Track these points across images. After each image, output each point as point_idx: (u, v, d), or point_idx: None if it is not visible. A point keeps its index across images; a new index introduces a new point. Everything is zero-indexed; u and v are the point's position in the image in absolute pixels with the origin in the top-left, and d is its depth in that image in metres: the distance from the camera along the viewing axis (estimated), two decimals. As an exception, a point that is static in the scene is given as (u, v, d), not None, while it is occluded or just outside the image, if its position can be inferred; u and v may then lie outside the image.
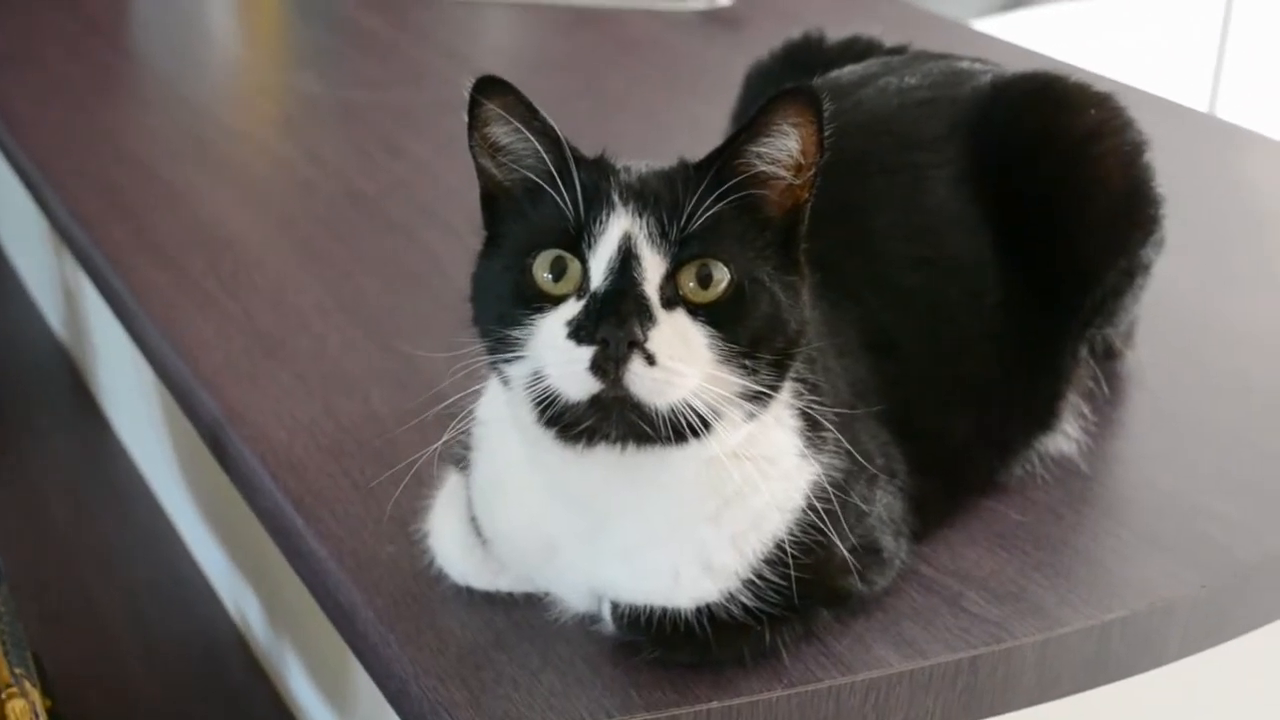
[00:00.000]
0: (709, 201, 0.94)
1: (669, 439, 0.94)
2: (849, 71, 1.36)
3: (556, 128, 0.97)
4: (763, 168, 0.96)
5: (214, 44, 2.46)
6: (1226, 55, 3.63)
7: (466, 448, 1.08)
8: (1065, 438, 1.25)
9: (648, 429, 0.93)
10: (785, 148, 0.96)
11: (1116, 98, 1.29)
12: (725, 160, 0.96)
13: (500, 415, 1.04)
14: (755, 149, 0.96)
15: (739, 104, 1.49)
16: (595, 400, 0.92)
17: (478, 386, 1.01)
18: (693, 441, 0.94)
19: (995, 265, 1.21)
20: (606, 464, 0.96)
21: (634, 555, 1.01)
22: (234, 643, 1.90)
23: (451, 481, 1.13)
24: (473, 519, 1.09)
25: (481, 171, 1.00)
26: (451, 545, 1.11)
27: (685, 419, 0.92)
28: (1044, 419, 1.25)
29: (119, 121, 2.01)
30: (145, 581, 2.01)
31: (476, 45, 2.46)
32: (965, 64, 1.35)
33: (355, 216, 1.71)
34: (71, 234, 1.69)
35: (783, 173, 0.97)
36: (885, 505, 1.08)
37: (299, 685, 1.85)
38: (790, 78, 1.38)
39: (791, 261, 0.99)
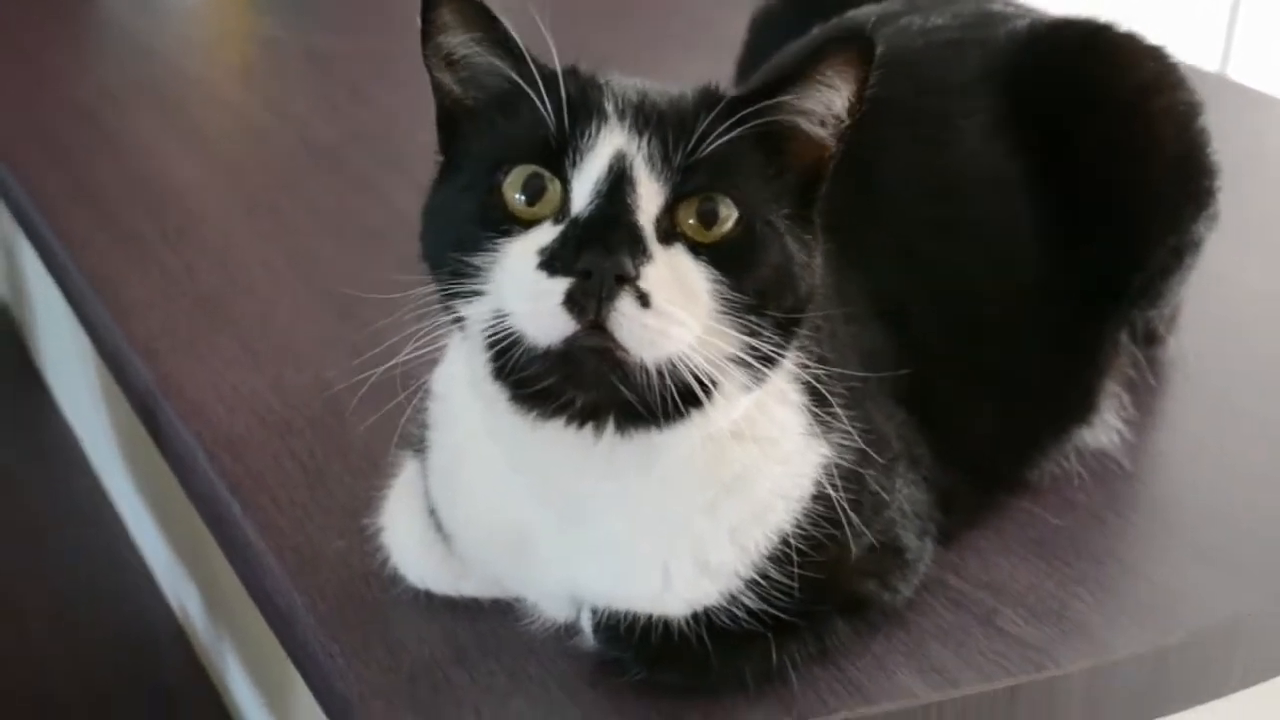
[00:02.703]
0: (724, 127, 0.82)
1: (653, 414, 0.82)
2: (865, 12, 1.25)
3: (519, 39, 0.84)
4: (799, 121, 0.85)
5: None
6: (1240, 12, 3.57)
7: (424, 427, 0.96)
8: (1104, 429, 1.16)
9: (627, 392, 0.80)
10: (829, 103, 0.85)
11: (1169, 52, 1.18)
12: (759, 109, 0.83)
13: (459, 383, 0.91)
14: (798, 103, 0.85)
15: (745, 52, 1.40)
16: (566, 349, 0.79)
17: (432, 346, 0.88)
18: (683, 417, 0.82)
19: (1027, 233, 1.11)
20: (580, 444, 0.84)
21: (616, 551, 0.89)
22: (172, 636, 1.79)
23: (408, 469, 1.01)
24: (432, 511, 0.97)
25: (438, 87, 0.88)
26: (408, 542, 0.99)
27: (675, 382, 0.79)
28: (1080, 410, 1.15)
29: (67, 68, 1.93)
30: (77, 563, 1.91)
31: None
32: (998, 6, 1.25)
33: (314, 169, 1.63)
34: (4, 182, 1.60)
35: (818, 129, 0.86)
36: (907, 497, 0.97)
37: (239, 689, 1.76)
38: (800, 24, 1.27)
39: (807, 219, 0.87)
